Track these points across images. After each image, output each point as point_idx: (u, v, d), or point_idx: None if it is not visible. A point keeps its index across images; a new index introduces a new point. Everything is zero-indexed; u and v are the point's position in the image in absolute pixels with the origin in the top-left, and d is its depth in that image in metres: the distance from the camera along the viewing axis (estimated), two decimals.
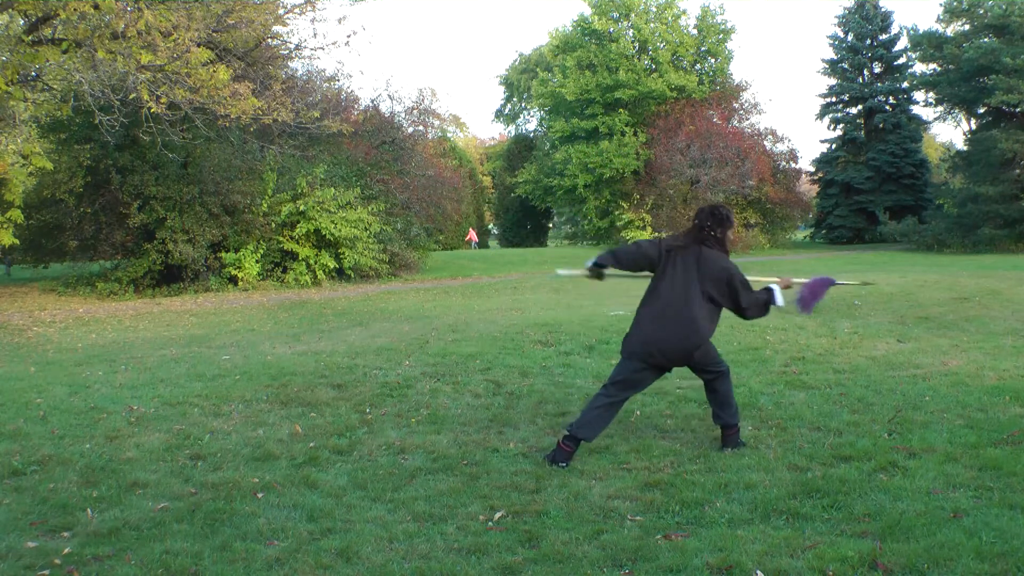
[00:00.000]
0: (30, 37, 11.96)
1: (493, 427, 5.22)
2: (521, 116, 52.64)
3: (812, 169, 41.11)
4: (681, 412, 5.43)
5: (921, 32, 33.04)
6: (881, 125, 39.00)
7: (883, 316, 10.28)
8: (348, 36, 42.08)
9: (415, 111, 25.02)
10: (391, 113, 24.49)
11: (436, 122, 27.71)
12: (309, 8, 14.96)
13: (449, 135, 41.68)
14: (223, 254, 18.09)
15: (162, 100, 11.65)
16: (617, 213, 33.39)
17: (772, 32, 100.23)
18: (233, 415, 5.71)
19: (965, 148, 33.51)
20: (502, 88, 52.83)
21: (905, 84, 38.22)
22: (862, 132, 39.60)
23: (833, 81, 40.07)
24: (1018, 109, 29.51)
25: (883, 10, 39.37)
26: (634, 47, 34.47)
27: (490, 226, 51.16)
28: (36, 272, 19.50)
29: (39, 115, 16.85)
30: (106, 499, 3.99)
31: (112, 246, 18.75)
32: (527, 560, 3.20)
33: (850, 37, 39.65)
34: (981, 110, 32.04)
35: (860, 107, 39.54)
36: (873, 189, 37.79)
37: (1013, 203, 28.59)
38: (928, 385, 5.95)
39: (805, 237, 45.39)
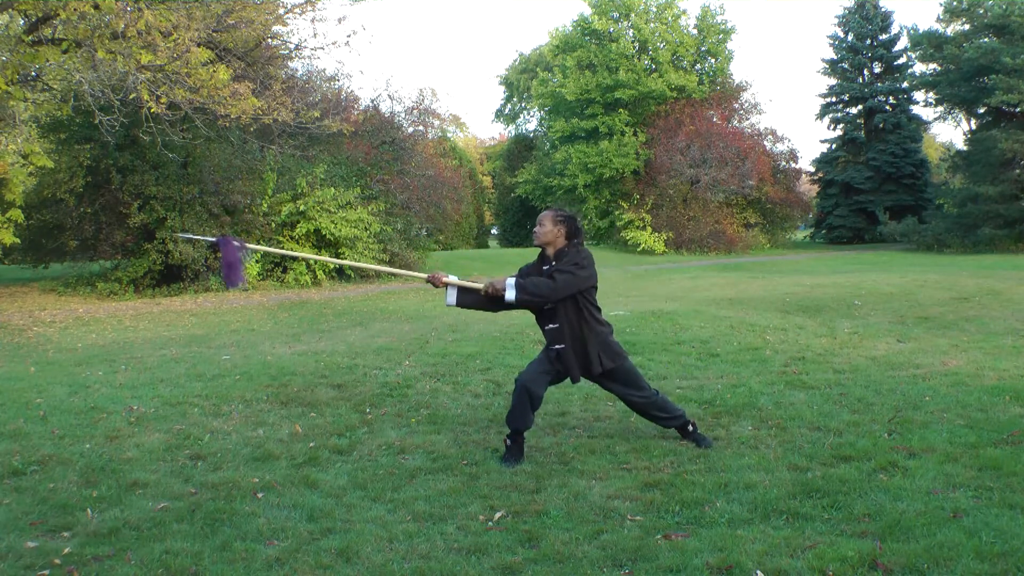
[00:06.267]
0: (30, 37, 11.95)
1: (493, 427, 5.22)
2: (521, 116, 52.57)
3: (812, 169, 41.10)
4: None
5: (921, 32, 33.04)
6: (881, 125, 38.99)
7: (883, 316, 10.28)
8: (348, 36, 42.03)
9: (415, 111, 24.99)
10: (391, 113, 24.46)
11: (436, 122, 27.62)
12: (309, 8, 14.93)
13: (449, 135, 41.63)
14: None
15: (162, 100, 11.64)
16: (617, 213, 33.40)
17: (772, 32, 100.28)
18: (233, 415, 5.71)
19: (965, 148, 33.49)
20: (502, 88, 52.77)
21: (905, 84, 38.19)
22: (862, 132, 39.59)
23: (833, 81, 40.06)
24: (1018, 109, 29.50)
25: (883, 10, 39.35)
26: (634, 47, 34.46)
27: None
28: (36, 272, 19.50)
29: (39, 115, 16.84)
30: (106, 499, 3.99)
31: (112, 246, 18.72)
32: (527, 560, 3.20)
33: (850, 37, 39.63)
34: (981, 110, 32.03)
35: (860, 107, 39.52)
36: (873, 189, 37.78)
37: (1013, 203, 28.59)
38: (928, 385, 5.95)
39: (805, 237, 45.38)
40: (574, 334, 4.55)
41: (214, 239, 4.95)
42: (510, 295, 4.46)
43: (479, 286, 4.66)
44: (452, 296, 4.71)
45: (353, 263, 5.09)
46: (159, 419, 5.63)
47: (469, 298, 4.72)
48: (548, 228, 4.58)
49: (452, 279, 4.68)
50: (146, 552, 3.34)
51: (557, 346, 4.57)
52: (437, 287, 4.69)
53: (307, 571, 3.16)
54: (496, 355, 7.85)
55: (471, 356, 7.83)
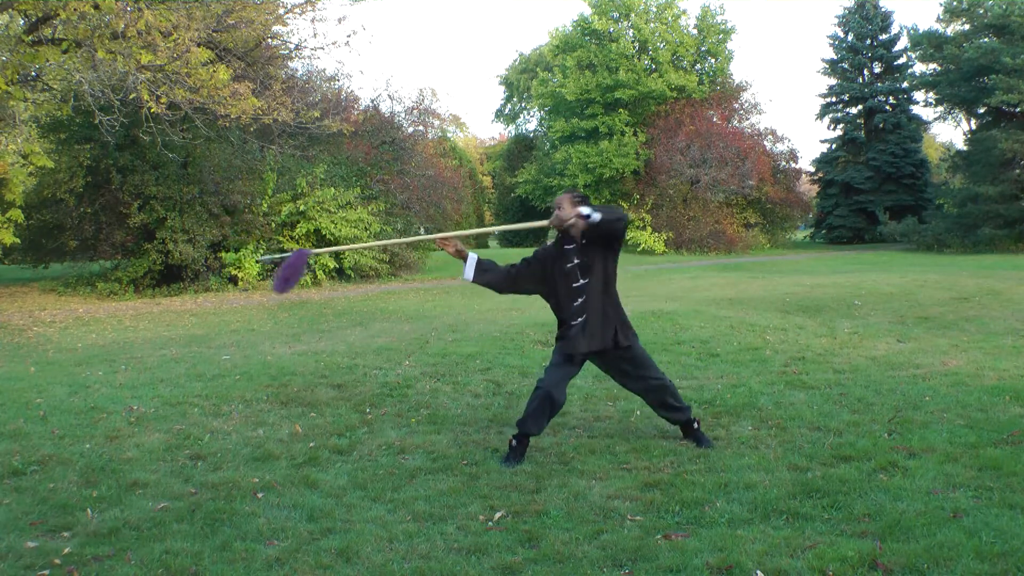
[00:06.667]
0: (30, 37, 11.95)
1: (493, 427, 5.22)
2: (521, 116, 52.52)
3: (812, 169, 41.07)
4: None
5: (921, 32, 33.02)
6: (881, 125, 38.97)
7: (883, 316, 10.28)
8: (348, 36, 42.11)
9: (415, 111, 25.00)
10: (391, 113, 24.47)
11: (436, 122, 27.63)
12: (309, 8, 14.94)
13: (449, 135, 41.60)
14: (223, 254, 18.09)
15: (162, 100, 11.64)
16: None
17: (772, 32, 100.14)
18: (233, 415, 5.71)
19: (965, 148, 33.47)
20: (502, 88, 52.72)
21: (905, 84, 38.17)
22: (862, 132, 39.56)
23: (833, 81, 40.03)
24: (1018, 109, 29.49)
25: (883, 10, 39.32)
26: (634, 47, 34.44)
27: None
28: (36, 272, 19.51)
29: (39, 115, 16.86)
30: (106, 499, 4.00)
31: (112, 246, 18.74)
32: (527, 560, 3.20)
33: (850, 37, 39.61)
34: (981, 110, 32.01)
35: (860, 107, 39.49)
36: (873, 189, 37.76)
37: (1013, 203, 28.57)
38: (928, 385, 5.95)
39: (805, 237, 45.36)
40: (596, 308, 4.59)
41: (291, 253, 4.96)
42: (595, 216, 4.35)
43: (543, 223, 4.61)
44: (470, 271, 4.76)
45: (387, 241, 5.17)
46: (159, 419, 5.63)
47: (487, 276, 4.78)
48: (569, 210, 4.62)
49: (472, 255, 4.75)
50: (146, 552, 3.34)
51: (578, 319, 4.58)
52: (462, 257, 4.73)
53: (307, 571, 3.16)
54: (496, 355, 7.85)
55: (471, 356, 7.83)
